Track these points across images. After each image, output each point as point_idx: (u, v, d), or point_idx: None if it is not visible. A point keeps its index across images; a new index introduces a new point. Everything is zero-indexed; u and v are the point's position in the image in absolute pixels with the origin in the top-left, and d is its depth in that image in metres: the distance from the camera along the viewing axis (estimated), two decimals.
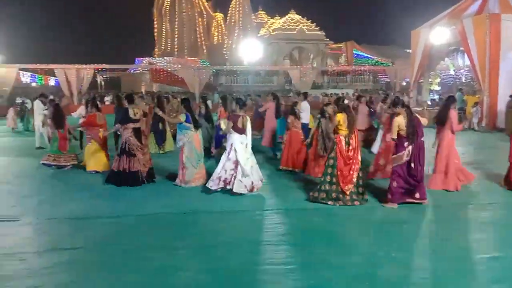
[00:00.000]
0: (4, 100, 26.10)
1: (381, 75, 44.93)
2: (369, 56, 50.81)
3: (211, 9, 71.17)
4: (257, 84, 41.41)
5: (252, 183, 6.84)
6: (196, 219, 5.85)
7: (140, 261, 4.43)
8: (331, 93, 23.31)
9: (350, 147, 6.37)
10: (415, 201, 6.23)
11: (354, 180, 6.34)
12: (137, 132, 7.68)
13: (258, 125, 13.04)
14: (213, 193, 6.90)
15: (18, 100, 20.20)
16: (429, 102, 16.70)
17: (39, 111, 11.73)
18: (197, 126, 7.58)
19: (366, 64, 47.52)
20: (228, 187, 6.87)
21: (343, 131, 6.38)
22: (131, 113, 7.67)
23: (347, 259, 4.43)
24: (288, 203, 6.55)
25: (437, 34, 17.78)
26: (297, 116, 8.64)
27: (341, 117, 6.37)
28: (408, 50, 27.93)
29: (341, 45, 52.13)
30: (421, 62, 19.80)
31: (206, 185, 7.04)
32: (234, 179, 6.79)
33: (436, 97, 23.54)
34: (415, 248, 4.89)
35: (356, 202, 6.30)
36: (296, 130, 8.62)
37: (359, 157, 6.47)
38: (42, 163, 8.94)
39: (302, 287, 3.86)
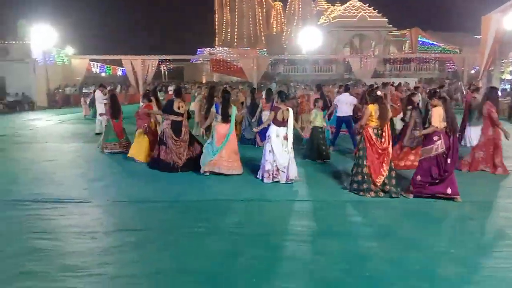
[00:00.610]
0: (77, 89, 27.95)
1: (448, 63, 42.58)
2: (435, 43, 48.29)
3: None
4: (315, 73, 40.89)
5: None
6: (252, 207, 6.04)
7: (198, 244, 4.69)
8: (392, 82, 22.50)
9: (383, 139, 6.31)
10: (447, 196, 6.07)
11: (385, 172, 6.28)
12: (177, 125, 8.01)
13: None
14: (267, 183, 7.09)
15: (85, 90, 21.54)
16: (499, 93, 15.63)
17: (100, 100, 12.61)
18: (225, 118, 7.56)
19: (432, 52, 45.26)
20: (276, 179, 7.06)
21: (374, 122, 6.33)
22: (175, 105, 8.06)
23: (403, 254, 4.40)
24: (335, 196, 6.55)
25: (510, 19, 16.59)
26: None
27: (372, 108, 6.33)
28: (477, 37, 26.29)
29: (405, 32, 49.96)
30: (491, 50, 18.61)
31: (257, 176, 7.30)
32: (278, 170, 7.03)
33: (507, 86, 22.00)
34: (475, 245, 4.73)
35: (386, 194, 6.27)
36: None
37: (390, 149, 6.39)
38: (102, 151, 9.87)
39: (357, 278, 3.90)
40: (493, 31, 18.12)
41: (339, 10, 49.81)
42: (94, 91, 15.31)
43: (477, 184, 7.11)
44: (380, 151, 6.30)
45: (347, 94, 10.39)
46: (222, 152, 7.50)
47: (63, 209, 5.91)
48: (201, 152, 7.93)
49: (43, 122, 17.39)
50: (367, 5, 47.75)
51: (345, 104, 10.09)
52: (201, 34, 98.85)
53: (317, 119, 8.84)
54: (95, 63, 39.10)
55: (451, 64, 39.31)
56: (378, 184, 6.29)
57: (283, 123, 7.05)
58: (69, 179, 7.72)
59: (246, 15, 65.48)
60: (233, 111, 7.61)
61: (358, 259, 4.28)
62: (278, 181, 7.08)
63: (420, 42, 47.77)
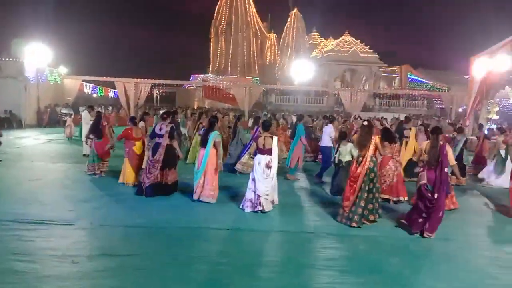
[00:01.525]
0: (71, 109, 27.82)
1: (436, 101, 43.46)
2: (424, 80, 49.43)
3: (266, 29, 72.46)
4: (307, 104, 41.37)
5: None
6: (238, 236, 5.95)
7: (185, 273, 4.57)
8: (381, 117, 22.85)
9: (359, 166, 6.57)
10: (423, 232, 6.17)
11: (353, 199, 6.47)
12: (156, 145, 8.09)
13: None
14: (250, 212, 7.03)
15: (64, 110, 21.39)
16: (486, 132, 15.93)
17: (87, 120, 12.51)
18: (203, 143, 7.68)
19: (421, 89, 46.22)
20: (257, 208, 7.02)
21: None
22: (157, 128, 8.21)
23: None
24: (321, 227, 6.51)
25: (498, 61, 17.11)
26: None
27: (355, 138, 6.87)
28: (466, 76, 26.96)
29: (395, 68, 51.14)
30: (479, 90, 19.08)
31: (240, 205, 7.27)
32: (259, 198, 7.02)
33: (493, 126, 22.45)
34: (458, 281, 4.69)
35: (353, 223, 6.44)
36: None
37: (365, 179, 6.49)
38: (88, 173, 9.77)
39: None
40: (481, 71, 18.63)
41: (332, 45, 50.90)
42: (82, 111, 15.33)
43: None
44: (352, 179, 6.59)
45: (330, 125, 10.92)
46: (201, 179, 7.51)
47: (44, 231, 5.76)
48: (175, 180, 8.20)
49: (31, 141, 17.17)
50: (359, 40, 48.94)
51: (326, 135, 10.65)
52: (195, 60, 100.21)
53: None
54: (88, 84, 39.11)
55: (440, 102, 40.13)
56: (346, 210, 6.54)
57: (266, 151, 7.12)
58: (54, 200, 7.56)
59: (240, 45, 66.54)
60: (211, 136, 7.58)
61: None
62: (259, 211, 7.00)
63: (410, 79, 48.88)
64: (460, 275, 4.89)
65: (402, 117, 22.42)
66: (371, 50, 48.38)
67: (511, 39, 17.89)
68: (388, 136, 8.11)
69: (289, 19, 68.87)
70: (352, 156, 8.20)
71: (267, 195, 7.02)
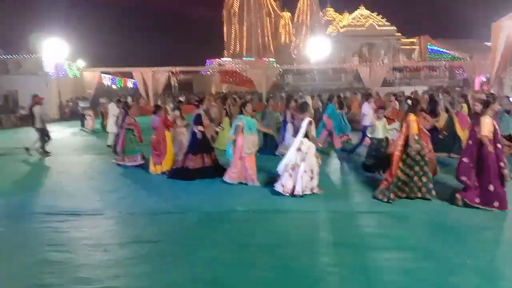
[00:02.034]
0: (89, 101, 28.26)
1: (458, 71, 42.33)
2: (444, 50, 48.04)
3: (279, 8, 71.57)
4: (325, 82, 40.92)
5: (294, 187, 6.84)
6: (264, 217, 6.00)
7: (212, 255, 4.66)
8: (399, 92, 22.40)
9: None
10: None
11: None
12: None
13: None
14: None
15: (82, 104, 21.53)
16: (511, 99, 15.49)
17: (113, 112, 12.55)
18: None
19: (442, 59, 45.02)
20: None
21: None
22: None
23: (419, 264, 4.33)
24: (352, 206, 6.50)
25: None
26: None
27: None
28: (488, 44, 26.09)
29: (414, 39, 49.88)
30: (502, 56, 18.45)
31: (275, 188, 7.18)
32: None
33: None
34: (493, 256, 4.64)
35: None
36: None
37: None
38: (116, 163, 9.89)
39: None
40: (504, 37, 18.00)
41: (348, 19, 49.94)
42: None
43: None
44: None
45: (366, 103, 10.62)
46: (234, 162, 7.66)
47: (76, 222, 5.94)
48: (213, 164, 8.40)
49: (55, 135, 17.54)
50: (376, 13, 47.82)
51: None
52: (210, 45, 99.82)
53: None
54: (106, 76, 39.57)
55: (462, 71, 39.06)
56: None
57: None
58: (82, 191, 7.77)
59: (254, 26, 65.99)
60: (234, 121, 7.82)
61: (374, 270, 4.22)
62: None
63: (430, 50, 47.63)
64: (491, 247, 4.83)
65: (421, 90, 21.95)
66: (388, 23, 47.28)
67: None
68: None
69: None
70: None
71: (288, 168, 6.89)
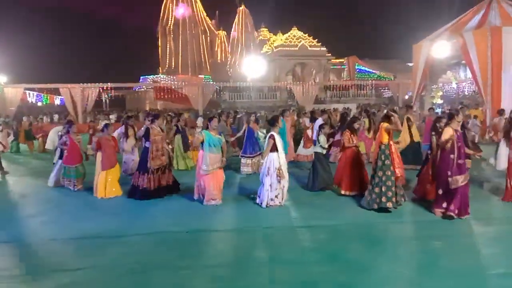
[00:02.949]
0: (11, 120, 26.28)
1: (383, 89, 45.02)
2: (371, 70, 51.02)
3: (215, 27, 72.03)
4: (260, 100, 41.56)
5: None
6: (199, 238, 5.83)
7: (145, 281, 4.41)
8: (332, 108, 23.31)
9: None
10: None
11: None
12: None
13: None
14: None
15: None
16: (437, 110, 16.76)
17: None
18: None
19: (369, 79, 47.66)
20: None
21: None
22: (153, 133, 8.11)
23: (354, 277, 4.40)
24: (294, 221, 6.53)
25: (438, 47, 17.84)
26: (355, 132, 8.08)
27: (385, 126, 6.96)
28: (410, 64, 28.04)
29: (343, 60, 52.42)
30: (423, 76, 19.83)
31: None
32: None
33: (438, 110, 23.53)
34: (424, 266, 4.83)
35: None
36: (354, 147, 8.02)
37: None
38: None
39: None
40: (423, 58, 19.36)
41: (281, 40, 51.44)
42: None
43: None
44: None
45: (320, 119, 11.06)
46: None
47: None
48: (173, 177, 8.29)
49: None
50: (307, 34, 49.71)
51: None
52: (144, 62, 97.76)
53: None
54: (31, 92, 37.25)
55: (387, 90, 41.57)
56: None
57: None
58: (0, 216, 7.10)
59: (190, 43, 65.71)
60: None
61: (310, 285, 4.22)
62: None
63: (358, 70, 50.30)
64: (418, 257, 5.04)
65: (352, 107, 23.03)
66: (319, 44, 49.30)
67: (449, 26, 18.77)
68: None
69: (237, 15, 68.94)
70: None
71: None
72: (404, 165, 9.52)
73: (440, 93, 27.13)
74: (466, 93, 28.65)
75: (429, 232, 5.91)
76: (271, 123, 7.43)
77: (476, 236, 5.77)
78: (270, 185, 7.08)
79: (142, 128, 8.61)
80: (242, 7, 68.18)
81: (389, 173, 6.62)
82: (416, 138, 10.25)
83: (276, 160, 7.08)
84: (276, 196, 7.12)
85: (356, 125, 8.14)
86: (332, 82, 46.56)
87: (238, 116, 15.15)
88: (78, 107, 28.26)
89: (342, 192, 7.86)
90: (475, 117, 16.46)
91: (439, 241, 5.46)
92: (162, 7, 67.14)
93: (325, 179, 8.25)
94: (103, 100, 47.75)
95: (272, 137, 7.12)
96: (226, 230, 6.15)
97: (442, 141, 6.30)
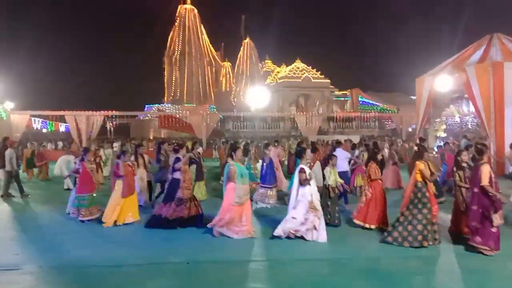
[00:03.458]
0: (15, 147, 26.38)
1: (387, 122, 45.22)
2: (374, 103, 51.38)
3: (220, 58, 73.31)
4: (264, 130, 41.83)
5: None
6: (198, 269, 5.73)
7: None
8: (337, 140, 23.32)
9: None
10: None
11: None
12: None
13: None
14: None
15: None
16: (435, 149, 16.72)
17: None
18: None
19: (372, 111, 47.97)
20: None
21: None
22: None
23: None
24: (294, 253, 6.42)
25: (441, 81, 18.02)
26: (378, 163, 7.89)
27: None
28: (413, 97, 28.28)
29: (347, 92, 52.94)
30: (426, 109, 19.96)
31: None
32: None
33: (441, 143, 23.54)
34: None
35: None
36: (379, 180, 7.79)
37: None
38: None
39: None
40: (426, 92, 19.54)
41: (285, 71, 52.21)
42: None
43: None
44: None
45: (341, 149, 10.69)
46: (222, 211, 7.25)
47: None
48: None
49: None
50: (311, 67, 50.48)
51: (341, 159, 9.95)
52: (149, 91, 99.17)
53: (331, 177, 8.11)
54: (36, 119, 37.63)
55: (390, 122, 41.74)
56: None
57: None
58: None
59: (195, 74, 66.72)
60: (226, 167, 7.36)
61: None
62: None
63: (361, 102, 50.64)
64: None
65: (355, 139, 23.07)
66: (322, 76, 49.99)
67: (451, 61, 19.03)
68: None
69: (242, 47, 70.23)
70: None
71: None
72: None
73: (444, 127, 27.20)
74: (469, 126, 28.68)
75: (432, 267, 5.79)
76: (298, 155, 7.25)
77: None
78: (306, 219, 6.78)
79: (172, 159, 8.40)
80: (247, 40, 69.55)
81: (426, 211, 6.48)
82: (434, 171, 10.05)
83: (308, 194, 6.86)
84: (307, 230, 6.82)
85: (379, 157, 8.02)
86: (335, 113, 46.88)
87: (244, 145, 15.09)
88: (82, 134, 28.43)
89: (367, 225, 7.56)
90: None
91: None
92: (169, 37, 68.58)
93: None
94: (108, 128, 48.14)
95: (302, 170, 6.91)
96: (223, 261, 6.03)
97: (487, 184, 6.08)
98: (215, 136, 36.26)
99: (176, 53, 67.33)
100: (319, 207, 6.94)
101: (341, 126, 44.41)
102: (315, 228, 6.79)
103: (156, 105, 59.88)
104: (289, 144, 21.37)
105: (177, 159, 8.07)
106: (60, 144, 30.92)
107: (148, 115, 52.41)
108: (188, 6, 67.73)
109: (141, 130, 52.67)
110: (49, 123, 44.53)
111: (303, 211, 6.80)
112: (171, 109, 54.79)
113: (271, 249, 6.59)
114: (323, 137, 28.58)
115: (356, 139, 25.44)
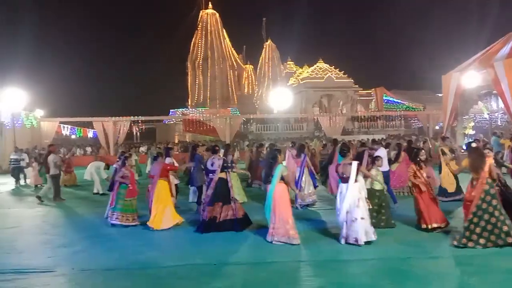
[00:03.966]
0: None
1: (412, 120, 44.40)
2: (399, 101, 50.57)
3: (242, 61, 73.61)
4: (287, 132, 41.75)
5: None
6: (213, 271, 5.78)
7: None
8: (361, 139, 23.09)
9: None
10: None
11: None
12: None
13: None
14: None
15: (13, 156, 17.28)
16: (464, 147, 16.32)
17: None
18: None
19: (397, 109, 47.20)
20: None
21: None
22: (208, 163, 8.21)
23: None
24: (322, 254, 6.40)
25: (468, 78, 17.63)
26: (420, 165, 7.56)
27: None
28: (439, 95, 27.70)
29: (371, 91, 52.28)
30: (453, 106, 19.51)
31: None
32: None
33: (470, 140, 22.93)
34: None
35: None
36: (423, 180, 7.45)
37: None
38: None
39: None
40: (453, 89, 19.11)
41: (307, 72, 51.97)
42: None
43: None
44: None
45: (382, 148, 10.41)
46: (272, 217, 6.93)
47: (23, 281, 5.49)
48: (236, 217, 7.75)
49: (8, 187, 16.68)
50: (333, 66, 50.08)
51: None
52: (173, 96, 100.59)
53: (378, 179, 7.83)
54: (65, 126, 38.67)
55: (416, 121, 40.98)
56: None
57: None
58: (32, 246, 7.27)
59: (218, 77, 67.23)
60: (277, 170, 7.02)
61: None
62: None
63: (386, 101, 49.93)
64: None
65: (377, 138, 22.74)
66: (346, 75, 49.50)
67: (478, 56, 18.56)
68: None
69: (263, 50, 70.28)
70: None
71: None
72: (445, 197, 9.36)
73: (472, 124, 26.51)
74: (499, 123, 27.88)
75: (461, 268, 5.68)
76: (343, 154, 7.09)
77: None
78: (362, 218, 6.55)
79: (209, 162, 8.30)
80: (269, 42, 69.59)
81: (497, 213, 6.21)
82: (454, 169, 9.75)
83: (362, 189, 6.80)
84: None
85: (422, 157, 7.53)
86: (359, 113, 46.37)
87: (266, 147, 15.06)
88: (110, 139, 29.10)
89: (433, 225, 7.25)
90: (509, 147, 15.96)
91: None
92: (192, 42, 69.35)
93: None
94: (134, 133, 49.06)
95: (358, 166, 6.74)
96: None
97: None
98: (239, 139, 36.45)
99: (199, 57, 68.04)
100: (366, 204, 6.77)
101: (366, 126, 43.85)
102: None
103: (181, 109, 60.66)
104: (313, 144, 21.32)
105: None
106: (89, 149, 31.70)
107: (173, 119, 53.15)
108: (210, 10, 68.32)
109: (167, 134, 53.50)
110: (77, 129, 45.72)
111: (363, 208, 6.60)
112: (195, 113, 55.39)
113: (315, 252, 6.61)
114: (348, 137, 28.32)
115: (380, 138, 25.05)
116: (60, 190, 12.48)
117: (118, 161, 9.52)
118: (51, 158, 12.14)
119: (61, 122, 32.82)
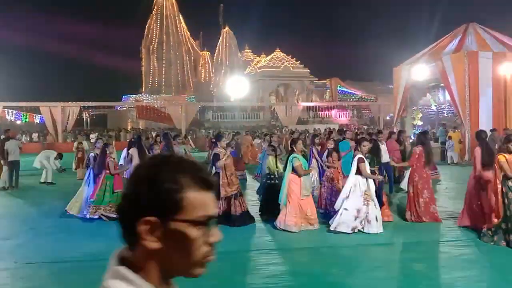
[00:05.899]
0: None
1: (365, 110, 45.72)
2: (353, 92, 51.86)
3: (199, 47, 72.43)
4: (243, 120, 41.72)
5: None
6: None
7: None
8: (317, 128, 23.54)
9: None
10: None
11: None
12: None
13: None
14: None
15: None
16: (412, 137, 17.00)
17: None
18: None
19: (350, 100, 48.42)
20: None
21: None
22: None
23: None
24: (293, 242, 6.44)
25: (417, 71, 18.29)
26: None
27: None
28: (390, 86, 28.62)
29: (326, 81, 53.20)
30: (403, 98, 20.23)
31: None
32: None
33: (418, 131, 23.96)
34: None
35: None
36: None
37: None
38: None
39: None
40: (404, 81, 19.79)
41: (265, 61, 52.06)
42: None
43: None
44: None
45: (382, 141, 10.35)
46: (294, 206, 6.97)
47: None
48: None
49: None
50: (290, 56, 50.45)
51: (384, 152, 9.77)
52: (126, 81, 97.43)
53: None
54: (10, 110, 36.60)
55: (368, 111, 42.23)
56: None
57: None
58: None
59: (173, 63, 65.76)
60: (290, 159, 7.07)
61: None
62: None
63: (340, 91, 51.05)
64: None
65: (335, 128, 23.26)
66: (302, 65, 50.04)
67: (428, 50, 19.29)
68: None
69: (221, 36, 69.49)
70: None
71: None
72: None
73: (420, 115, 27.67)
74: (445, 114, 29.25)
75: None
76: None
77: None
78: (358, 210, 6.59)
79: (211, 154, 7.84)
80: (226, 29, 68.87)
81: None
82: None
83: (362, 183, 6.69)
84: (361, 223, 6.63)
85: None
86: (314, 103, 47.11)
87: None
88: (58, 126, 27.79)
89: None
90: (450, 138, 16.91)
91: None
92: (146, 26, 67.35)
93: None
94: (84, 119, 47.23)
95: (361, 160, 6.71)
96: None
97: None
98: (195, 127, 36.02)
99: (154, 42, 66.22)
100: (374, 197, 6.72)
101: (321, 115, 44.66)
102: (368, 221, 6.61)
103: (134, 95, 58.97)
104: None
105: (216, 155, 7.44)
106: (35, 136, 30.20)
107: (126, 105, 51.62)
108: None
109: (119, 121, 51.82)
110: (23, 115, 43.40)
111: (356, 202, 6.63)
112: (149, 99, 54.08)
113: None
114: (303, 127, 28.72)
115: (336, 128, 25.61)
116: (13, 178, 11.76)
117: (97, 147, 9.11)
118: (13, 143, 11.72)
119: (4, 107, 30.95)
